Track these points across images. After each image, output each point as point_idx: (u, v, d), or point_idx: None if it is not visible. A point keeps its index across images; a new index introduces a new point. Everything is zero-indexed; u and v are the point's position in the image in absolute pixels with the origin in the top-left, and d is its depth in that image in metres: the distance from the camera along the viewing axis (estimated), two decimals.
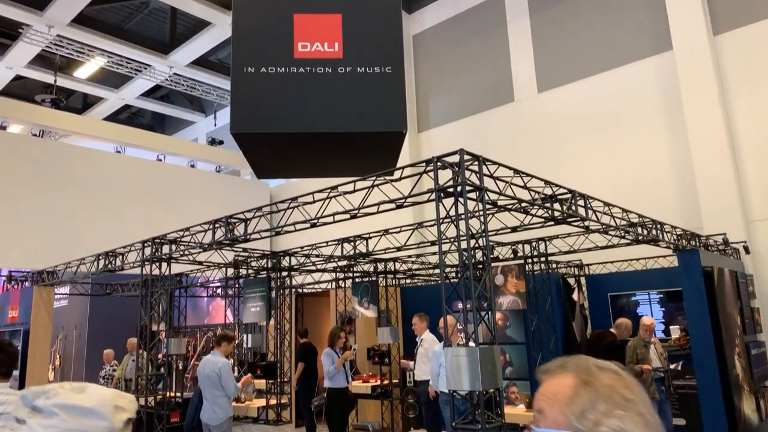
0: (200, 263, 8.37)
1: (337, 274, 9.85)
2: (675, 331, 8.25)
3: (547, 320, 7.89)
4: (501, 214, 5.33)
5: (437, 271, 9.83)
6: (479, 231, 3.85)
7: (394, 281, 9.76)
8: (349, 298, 9.47)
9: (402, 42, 4.33)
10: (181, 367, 11.61)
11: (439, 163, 4.00)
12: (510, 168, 4.52)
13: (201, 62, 15.08)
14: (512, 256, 8.24)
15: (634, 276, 9.03)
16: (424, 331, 7.11)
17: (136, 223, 12.19)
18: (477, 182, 3.99)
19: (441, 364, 5.92)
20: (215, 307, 14.39)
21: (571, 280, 9.07)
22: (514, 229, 6.31)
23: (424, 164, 4.17)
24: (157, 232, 6.78)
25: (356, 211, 4.72)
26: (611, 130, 10.13)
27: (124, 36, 13.64)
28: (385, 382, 7.65)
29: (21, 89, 16.16)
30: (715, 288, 6.18)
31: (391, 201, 4.52)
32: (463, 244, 3.75)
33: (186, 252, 6.66)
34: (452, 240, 3.88)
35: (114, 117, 18.30)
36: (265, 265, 8.62)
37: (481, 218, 3.89)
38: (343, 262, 8.90)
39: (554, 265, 8.82)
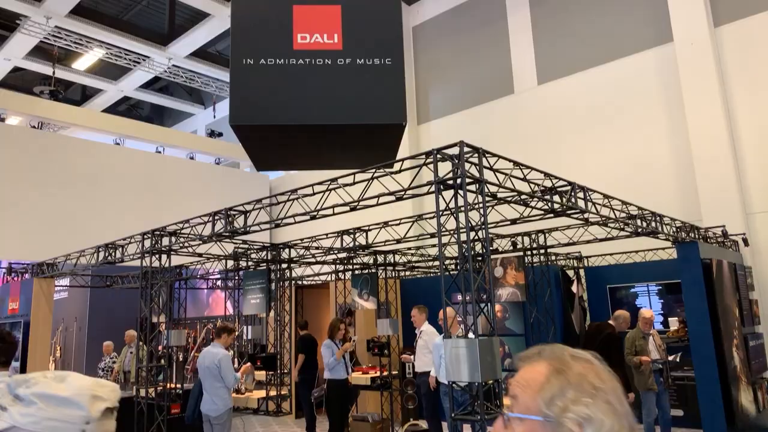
0: (200, 255, 8.37)
1: (337, 266, 9.86)
2: (673, 323, 8.29)
3: (546, 312, 7.92)
4: (500, 206, 5.34)
5: (437, 263, 9.84)
6: (479, 223, 3.85)
7: (393, 273, 9.78)
8: (348, 290, 9.49)
9: (401, 34, 4.32)
10: (181, 359, 11.66)
11: (438, 156, 4.00)
12: (510, 160, 4.52)
13: (200, 54, 15.02)
14: (512, 248, 8.25)
15: (633, 268, 9.05)
16: (424, 323, 7.13)
17: (136, 215, 12.19)
18: (477, 174, 3.99)
19: (441, 355, 5.94)
20: (215, 299, 14.42)
21: (570, 272, 9.10)
22: (513, 222, 6.32)
23: (423, 156, 4.17)
24: (157, 224, 6.78)
25: (356, 204, 4.72)
26: (611, 122, 10.11)
27: (122, 27, 13.58)
28: (385, 373, 7.68)
29: (19, 81, 16.11)
30: (713, 280, 6.20)
31: (390, 193, 4.52)
32: (463, 237, 3.75)
33: (186, 244, 6.67)
34: (452, 232, 3.89)
35: (113, 109, 18.25)
36: (265, 257, 8.63)
37: (481, 210, 3.89)
38: (343, 254, 8.91)
39: (553, 257, 8.84)
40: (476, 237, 3.88)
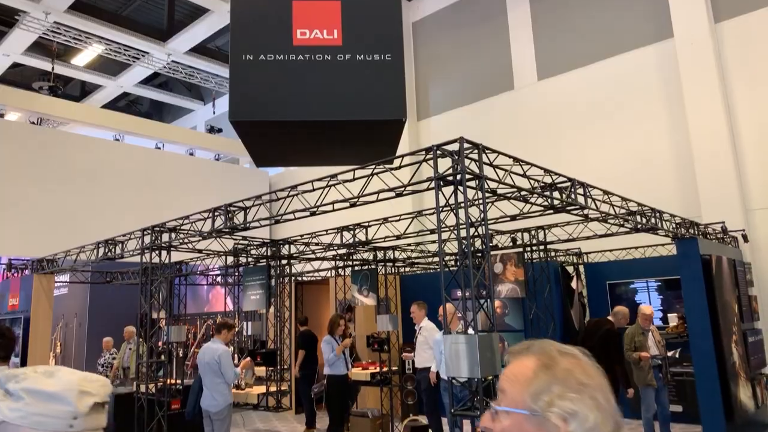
0: (200, 251, 8.38)
1: (337, 262, 9.87)
2: (673, 319, 8.30)
3: (546, 308, 7.93)
4: (500, 203, 5.34)
5: (436, 259, 9.85)
6: (478, 219, 3.86)
7: (393, 269, 9.78)
8: (348, 286, 9.50)
9: (401, 29, 4.31)
10: (181, 355, 11.68)
11: (438, 152, 4.00)
12: (509, 156, 4.52)
13: (199, 50, 14.99)
14: (511, 244, 8.26)
15: (633, 264, 9.06)
16: (423, 319, 7.14)
17: (135, 211, 12.19)
18: (476, 170, 3.99)
19: (442, 351, 5.96)
20: (215, 295, 14.44)
21: (570, 269, 9.11)
22: (513, 218, 6.32)
23: (423, 152, 4.17)
24: (156, 220, 6.78)
25: (356, 200, 4.72)
26: (611, 118, 10.10)
27: (121, 23, 13.54)
28: (385, 369, 7.70)
29: (18, 77, 16.07)
30: (713, 276, 6.21)
31: (390, 189, 4.52)
32: (463, 233, 3.75)
33: (185, 240, 6.67)
34: (451, 228, 3.89)
35: (112, 105, 18.23)
36: (265, 254, 8.63)
37: (481, 206, 3.89)
38: (343, 251, 8.91)
39: (553, 254, 8.84)
40: (476, 233, 3.89)
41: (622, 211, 6.06)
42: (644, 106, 9.76)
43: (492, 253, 7.58)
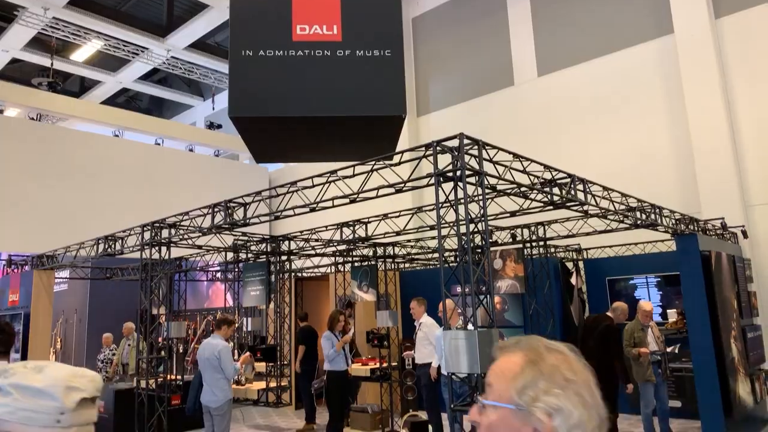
0: (199, 247, 8.37)
1: (337, 258, 9.87)
2: (672, 315, 8.31)
3: (545, 304, 7.94)
4: (500, 198, 5.34)
5: (436, 255, 9.86)
6: (478, 215, 3.86)
7: (393, 265, 9.79)
8: (348, 282, 9.51)
9: (401, 25, 4.29)
10: (181, 351, 11.70)
11: (438, 148, 4.00)
12: (509, 152, 4.52)
13: (199, 45, 14.96)
14: (511, 240, 8.26)
15: (633, 260, 9.07)
16: (423, 315, 7.15)
17: (135, 207, 12.19)
18: (476, 166, 3.98)
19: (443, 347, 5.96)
20: (215, 291, 14.45)
21: (570, 264, 9.12)
22: (513, 214, 6.32)
23: (423, 148, 4.17)
24: (156, 216, 6.78)
25: (355, 196, 4.72)
26: (611, 114, 10.10)
27: (120, 18, 13.51)
28: (384, 364, 7.72)
29: (17, 72, 16.04)
30: (712, 272, 6.21)
31: (390, 185, 4.52)
32: (462, 229, 3.75)
33: (185, 236, 6.67)
34: (451, 224, 3.89)
35: (111, 100, 18.20)
36: (265, 249, 8.63)
37: (480, 203, 3.89)
38: (343, 247, 8.92)
39: (552, 250, 8.85)
40: (476, 229, 3.89)
41: (622, 207, 6.06)
42: (644, 102, 9.75)
43: (492, 249, 7.59)
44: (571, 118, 10.55)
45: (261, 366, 8.97)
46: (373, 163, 4.57)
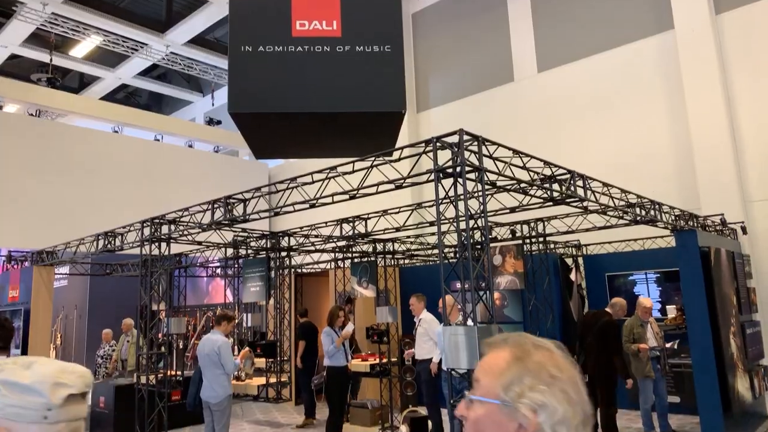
0: (199, 243, 8.39)
1: (336, 254, 9.88)
2: (671, 311, 8.33)
3: (545, 300, 7.95)
4: (499, 195, 5.34)
5: (436, 251, 9.86)
6: (478, 211, 3.86)
7: (392, 261, 9.80)
8: (348, 278, 9.52)
9: (401, 21, 4.29)
10: (181, 346, 11.72)
11: (438, 144, 4.00)
12: (509, 148, 4.51)
13: (198, 41, 14.92)
14: (510, 236, 8.26)
15: (632, 256, 9.08)
16: (422, 311, 7.16)
17: (135, 203, 12.19)
18: (476, 163, 3.98)
19: None
20: (215, 287, 14.47)
21: (569, 261, 9.12)
22: (512, 210, 6.32)
23: (423, 144, 4.16)
24: (155, 212, 6.78)
25: (355, 192, 4.72)
26: (611, 110, 10.09)
27: (119, 14, 13.47)
28: (384, 360, 7.73)
29: (16, 68, 16.01)
30: (711, 268, 6.22)
31: (390, 181, 4.52)
32: (462, 225, 3.76)
33: (185, 232, 6.67)
34: (451, 220, 3.90)
35: (110, 96, 18.17)
36: (265, 245, 8.64)
37: (480, 199, 3.89)
38: (342, 243, 8.93)
39: (552, 246, 8.86)
40: (475, 225, 3.89)
41: (622, 203, 6.07)
42: (644, 98, 9.74)
43: (491, 245, 7.59)
44: (571, 114, 10.54)
45: (261, 362, 9.00)
46: (372, 159, 4.57)
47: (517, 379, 0.93)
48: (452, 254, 8.76)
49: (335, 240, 8.50)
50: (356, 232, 7.58)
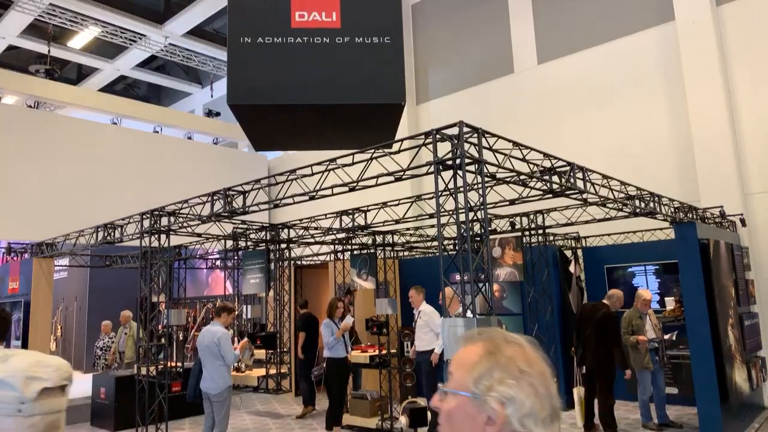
0: (199, 235, 8.39)
1: (336, 246, 9.89)
2: (670, 303, 8.35)
3: (544, 292, 7.97)
4: (499, 187, 5.34)
5: (435, 243, 9.87)
6: (477, 204, 3.86)
7: (392, 253, 9.81)
8: (347, 270, 9.53)
9: (401, 12, 4.27)
10: (181, 338, 11.75)
11: (437, 136, 3.99)
12: (509, 140, 4.51)
13: (197, 32, 14.85)
14: (510, 228, 8.27)
15: (631, 248, 9.09)
16: (422, 304, 7.18)
17: (134, 195, 12.18)
18: (476, 155, 3.98)
19: None
20: (214, 279, 14.49)
21: (568, 253, 9.14)
22: (512, 202, 6.33)
23: (422, 137, 4.16)
24: (155, 204, 6.78)
25: (355, 184, 4.72)
26: (611, 101, 10.06)
27: (117, 5, 13.40)
28: (384, 352, 7.76)
29: (14, 59, 15.95)
30: (710, 260, 6.23)
31: (389, 174, 4.51)
32: (462, 217, 3.76)
33: (184, 224, 6.67)
34: (450, 212, 3.90)
35: (109, 88, 18.11)
36: (264, 238, 8.65)
37: (480, 191, 3.89)
38: (342, 235, 8.93)
39: (551, 238, 8.87)
40: (475, 217, 3.89)
41: (621, 195, 6.07)
42: (644, 89, 9.72)
43: (491, 237, 7.60)
44: (571, 105, 10.52)
45: (261, 353, 9.03)
46: (372, 151, 4.57)
47: (487, 373, 0.96)
48: (452, 246, 8.77)
49: (335, 232, 8.51)
50: (356, 224, 7.58)
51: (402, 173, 4.46)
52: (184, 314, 8.12)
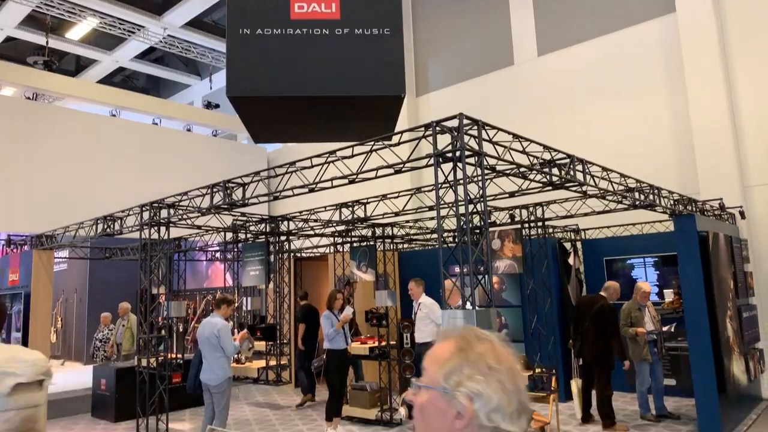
0: (199, 227, 8.39)
1: (336, 238, 9.89)
2: (669, 295, 8.37)
3: (543, 284, 7.99)
4: (499, 179, 5.34)
5: (435, 235, 9.88)
6: (477, 196, 3.86)
7: (392, 246, 9.81)
8: (347, 262, 9.55)
9: (400, 3, 4.25)
10: (181, 330, 11.79)
11: (437, 128, 3.99)
12: (509, 132, 4.51)
13: (195, 24, 14.78)
14: (509, 220, 8.28)
15: (630, 240, 9.10)
16: (421, 295, 7.21)
17: (133, 187, 12.16)
18: (476, 147, 3.98)
19: None
20: (214, 271, 14.52)
21: (568, 245, 9.15)
22: (512, 194, 6.33)
23: (422, 129, 4.15)
24: (154, 196, 6.78)
25: (354, 176, 4.72)
26: (611, 94, 10.04)
27: None
28: (383, 343, 7.79)
29: (12, 51, 15.88)
30: (709, 252, 6.24)
31: (389, 166, 4.51)
32: (461, 209, 3.76)
33: (184, 216, 6.67)
34: (450, 205, 3.90)
35: (108, 80, 18.04)
36: (264, 230, 8.65)
37: (479, 183, 3.89)
38: (342, 227, 8.94)
39: (551, 230, 8.87)
40: (474, 210, 3.90)
41: (621, 187, 6.07)
42: (645, 81, 9.69)
43: (490, 229, 7.60)
44: (571, 98, 10.49)
45: (261, 345, 9.06)
46: (372, 143, 4.57)
47: (457, 369, 0.99)
48: (451, 239, 8.78)
49: (334, 224, 8.52)
50: (355, 216, 7.59)
51: (402, 165, 4.46)
52: (184, 306, 8.13)
